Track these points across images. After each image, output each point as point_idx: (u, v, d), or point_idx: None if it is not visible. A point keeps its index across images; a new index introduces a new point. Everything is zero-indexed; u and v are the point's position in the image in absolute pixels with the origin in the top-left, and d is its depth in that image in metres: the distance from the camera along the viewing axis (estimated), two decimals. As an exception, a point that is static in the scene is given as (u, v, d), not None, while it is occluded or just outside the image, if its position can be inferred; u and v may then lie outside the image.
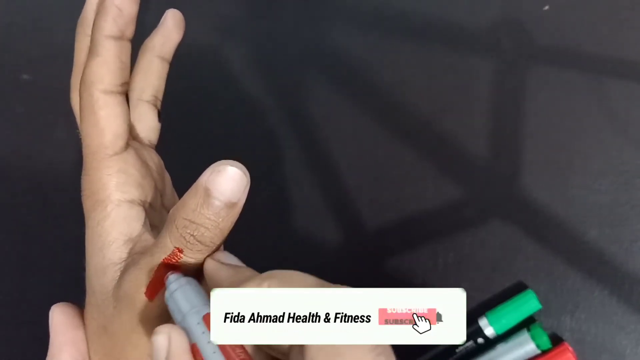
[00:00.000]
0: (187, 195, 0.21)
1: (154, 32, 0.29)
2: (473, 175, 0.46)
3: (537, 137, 0.46)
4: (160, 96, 0.29)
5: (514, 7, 0.50)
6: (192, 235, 0.21)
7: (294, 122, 0.50)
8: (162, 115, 0.29)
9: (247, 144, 0.49)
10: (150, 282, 0.22)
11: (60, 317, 0.25)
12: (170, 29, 0.28)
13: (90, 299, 0.25)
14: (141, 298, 0.23)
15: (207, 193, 0.21)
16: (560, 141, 0.46)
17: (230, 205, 0.21)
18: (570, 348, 0.40)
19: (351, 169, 0.48)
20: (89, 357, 0.25)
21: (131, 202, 0.25)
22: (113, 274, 0.23)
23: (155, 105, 0.29)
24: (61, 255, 0.48)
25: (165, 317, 0.23)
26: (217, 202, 0.21)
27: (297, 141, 0.49)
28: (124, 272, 0.23)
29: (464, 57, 0.49)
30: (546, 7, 0.49)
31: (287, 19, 0.54)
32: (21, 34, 0.57)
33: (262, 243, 0.46)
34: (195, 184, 0.21)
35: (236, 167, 0.21)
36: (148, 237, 0.24)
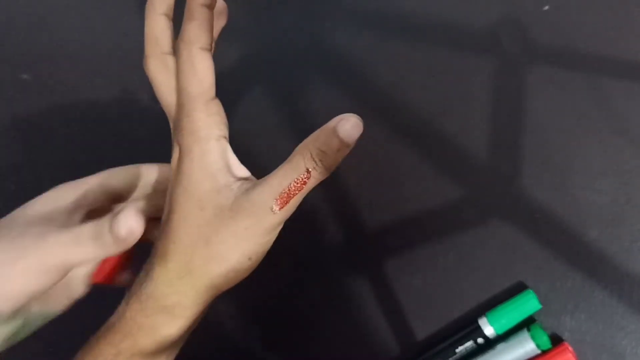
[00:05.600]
0: (320, 132, 0.29)
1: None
2: (473, 175, 0.46)
3: (537, 137, 0.46)
4: None
5: (514, 7, 0.50)
6: (320, 160, 0.28)
7: (293, 122, 0.50)
8: None
9: (246, 143, 0.49)
10: (282, 194, 0.28)
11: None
12: (218, 14, 0.33)
13: (195, 216, 0.29)
14: (267, 209, 0.29)
15: (335, 132, 0.28)
16: (560, 141, 0.46)
17: (347, 145, 0.28)
18: (570, 348, 0.40)
19: (351, 169, 0.48)
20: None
21: (225, 138, 0.30)
22: (228, 192, 0.29)
23: None
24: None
25: (273, 227, 0.29)
26: (338, 141, 0.28)
27: (297, 141, 0.49)
28: (251, 190, 0.29)
29: (464, 57, 0.49)
30: (546, 7, 0.49)
31: (287, 18, 0.54)
32: (21, 34, 0.57)
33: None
34: (326, 125, 0.29)
35: (357, 119, 0.29)
36: (242, 166, 0.31)
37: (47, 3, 0.58)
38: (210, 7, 0.30)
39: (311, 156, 0.29)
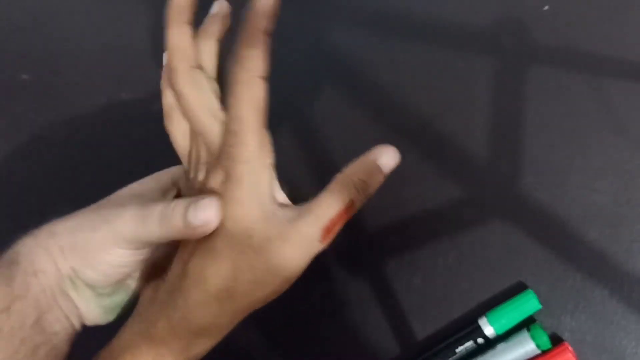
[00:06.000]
0: (360, 164, 0.30)
1: (208, 20, 0.34)
2: (473, 175, 0.46)
3: (537, 137, 0.46)
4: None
5: (514, 7, 0.50)
6: (362, 189, 0.30)
7: (293, 122, 0.50)
8: None
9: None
10: (328, 225, 0.29)
11: None
12: (223, 17, 0.35)
13: (241, 242, 0.29)
14: (315, 240, 0.30)
15: (375, 163, 0.30)
16: (560, 141, 0.46)
17: (385, 175, 0.31)
18: (570, 348, 0.40)
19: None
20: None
21: (273, 165, 0.31)
22: (274, 220, 0.29)
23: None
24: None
25: (315, 253, 0.30)
26: (378, 171, 0.30)
27: (297, 141, 0.49)
28: (297, 220, 0.29)
29: (464, 57, 0.49)
30: (546, 7, 0.49)
31: (287, 19, 0.54)
32: (21, 34, 0.57)
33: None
34: (366, 157, 0.31)
35: (395, 151, 0.31)
36: (281, 191, 0.31)
37: (47, 3, 0.58)
38: (270, 34, 0.30)
39: (355, 187, 0.30)
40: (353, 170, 0.30)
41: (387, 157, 0.31)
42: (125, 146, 0.52)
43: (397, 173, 0.49)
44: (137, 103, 0.53)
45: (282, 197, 0.31)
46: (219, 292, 0.29)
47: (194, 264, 0.30)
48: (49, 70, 0.55)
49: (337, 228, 0.30)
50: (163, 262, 0.34)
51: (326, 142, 0.49)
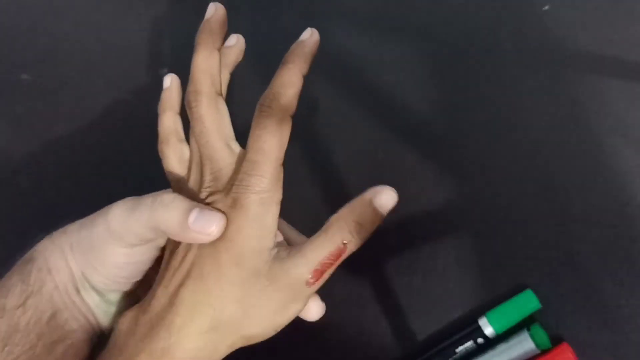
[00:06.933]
0: (355, 205, 0.29)
1: (224, 51, 0.35)
2: (473, 175, 0.46)
3: (537, 137, 0.46)
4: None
5: (514, 7, 0.50)
6: (357, 232, 0.29)
7: (293, 122, 0.50)
8: None
9: (244, 144, 0.49)
10: (317, 268, 0.29)
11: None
12: (239, 51, 0.36)
13: (230, 271, 0.29)
14: (303, 282, 0.29)
15: (372, 205, 0.29)
16: (560, 141, 0.46)
17: (382, 216, 0.29)
18: (570, 348, 0.40)
19: (351, 169, 0.48)
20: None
21: (280, 202, 0.30)
22: (267, 256, 0.29)
23: None
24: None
25: (306, 298, 0.29)
26: (374, 213, 0.29)
27: (297, 141, 0.49)
28: (286, 260, 0.29)
29: (464, 57, 0.49)
30: (546, 7, 0.49)
31: (287, 18, 0.54)
32: (21, 34, 0.57)
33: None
34: (362, 198, 0.29)
35: (392, 191, 0.29)
36: (277, 229, 0.30)
37: (47, 3, 0.58)
38: (305, 77, 0.31)
39: (348, 229, 0.29)
40: (347, 212, 0.29)
41: (384, 198, 0.29)
42: (125, 146, 0.52)
43: (397, 173, 0.49)
44: (137, 103, 0.53)
45: (279, 235, 0.31)
46: (204, 322, 0.28)
47: (183, 292, 0.29)
48: (49, 70, 0.55)
49: (328, 271, 0.29)
50: (138, 292, 0.34)
51: (326, 142, 0.49)
